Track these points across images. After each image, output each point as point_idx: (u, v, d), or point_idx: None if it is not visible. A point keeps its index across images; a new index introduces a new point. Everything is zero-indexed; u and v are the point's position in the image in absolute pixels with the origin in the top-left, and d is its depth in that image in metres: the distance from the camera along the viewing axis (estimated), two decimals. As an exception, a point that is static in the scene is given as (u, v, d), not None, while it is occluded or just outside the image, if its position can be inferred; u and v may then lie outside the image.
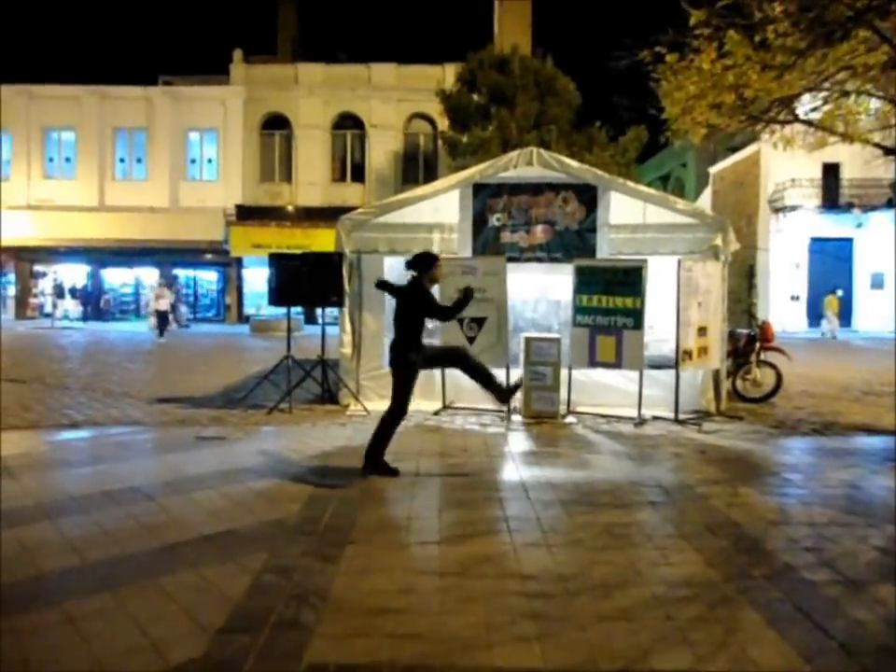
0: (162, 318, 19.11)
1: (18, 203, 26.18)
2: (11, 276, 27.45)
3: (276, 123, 26.80)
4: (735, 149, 26.60)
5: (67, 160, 26.99)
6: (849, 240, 24.35)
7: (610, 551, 3.69)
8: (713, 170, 29.80)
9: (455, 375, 7.94)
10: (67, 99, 26.46)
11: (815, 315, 23.89)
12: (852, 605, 3.08)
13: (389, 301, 8.50)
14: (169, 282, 24.27)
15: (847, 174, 23.83)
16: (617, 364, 7.36)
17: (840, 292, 22.40)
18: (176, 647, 2.67)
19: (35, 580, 3.29)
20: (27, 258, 26.89)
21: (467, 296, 5.16)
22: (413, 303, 5.17)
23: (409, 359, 5.13)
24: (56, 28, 53.84)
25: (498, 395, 5.46)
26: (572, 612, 2.98)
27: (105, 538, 3.81)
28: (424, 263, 5.26)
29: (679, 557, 3.60)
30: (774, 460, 6.02)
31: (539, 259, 8.06)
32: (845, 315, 23.97)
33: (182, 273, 27.74)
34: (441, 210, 8.06)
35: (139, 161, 27.04)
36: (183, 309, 25.24)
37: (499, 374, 7.48)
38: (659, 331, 7.94)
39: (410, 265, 5.26)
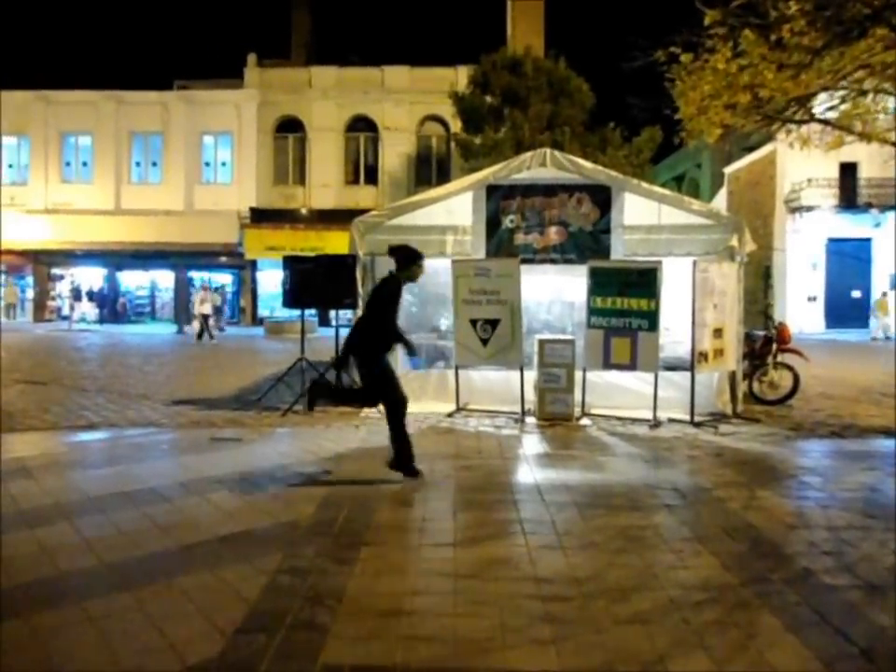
0: (206, 321, 19.30)
1: (36, 206, 26.52)
2: (29, 279, 27.80)
3: (290, 126, 26.95)
4: (750, 149, 26.38)
5: (84, 164, 27.30)
6: (867, 240, 24.05)
7: (626, 554, 3.67)
8: (728, 170, 29.56)
9: (469, 377, 7.96)
10: (84, 104, 26.77)
11: (833, 317, 23.61)
12: (873, 610, 3.03)
13: (402, 304, 8.53)
14: (215, 286, 24.44)
15: (864, 173, 23.55)
16: (632, 366, 7.31)
17: (857, 292, 22.17)
18: (193, 647, 2.68)
19: (55, 579, 3.32)
20: (45, 261, 27.22)
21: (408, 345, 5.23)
22: (382, 297, 5.10)
23: (376, 355, 5.04)
24: (73, 34, 54.48)
25: (399, 462, 4.98)
26: (588, 616, 2.96)
27: (123, 538, 3.85)
28: (405, 259, 5.14)
29: (695, 561, 3.57)
30: (791, 463, 5.95)
31: (553, 261, 8.03)
32: (861, 317, 23.67)
33: (197, 276, 27.95)
34: (454, 212, 8.07)
35: (154, 164, 27.30)
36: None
37: (514, 376, 7.52)
38: (674, 333, 7.89)
39: (392, 254, 5.17)
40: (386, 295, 5.09)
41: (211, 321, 19.86)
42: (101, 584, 3.27)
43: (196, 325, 19.40)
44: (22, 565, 3.45)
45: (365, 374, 5.10)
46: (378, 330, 5.07)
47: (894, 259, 21.83)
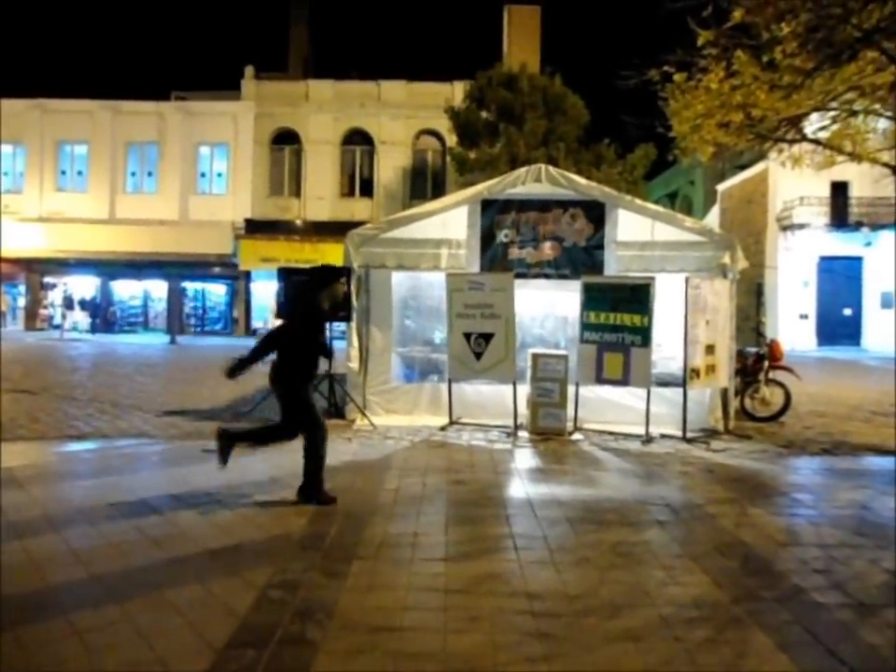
0: None
1: (30, 215, 26.45)
2: (22, 287, 27.67)
3: (286, 138, 27.03)
4: (743, 167, 26.62)
5: (79, 173, 27.28)
6: (859, 258, 24.24)
7: (618, 570, 3.66)
8: (721, 187, 29.81)
9: (462, 390, 7.96)
10: (80, 113, 26.79)
11: (824, 334, 23.74)
12: (864, 629, 3.04)
13: (396, 317, 8.55)
14: None
15: (855, 192, 23.79)
16: (624, 381, 7.33)
17: (849, 310, 22.29)
18: (182, 662, 2.66)
19: (42, 591, 3.29)
20: (38, 269, 27.10)
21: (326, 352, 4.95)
22: (307, 323, 4.84)
23: (294, 385, 4.73)
24: (70, 43, 54.68)
25: (307, 489, 4.78)
26: (579, 632, 2.96)
27: (112, 550, 3.81)
28: (325, 277, 4.89)
29: (686, 578, 3.57)
30: (783, 480, 5.97)
31: (547, 276, 8.07)
32: (853, 335, 23.81)
33: (191, 287, 27.89)
34: (449, 226, 8.10)
35: (150, 174, 27.30)
36: None
37: (507, 390, 7.52)
38: (667, 349, 7.92)
39: (310, 277, 4.89)
40: (319, 316, 4.87)
41: None
42: (89, 597, 3.24)
43: None
44: (10, 576, 3.41)
45: (289, 399, 4.80)
46: (307, 358, 4.79)
47: (894, 277, 21.97)
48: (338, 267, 5.04)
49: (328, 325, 4.77)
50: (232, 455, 6.15)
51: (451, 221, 8.10)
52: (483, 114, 21.99)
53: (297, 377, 4.77)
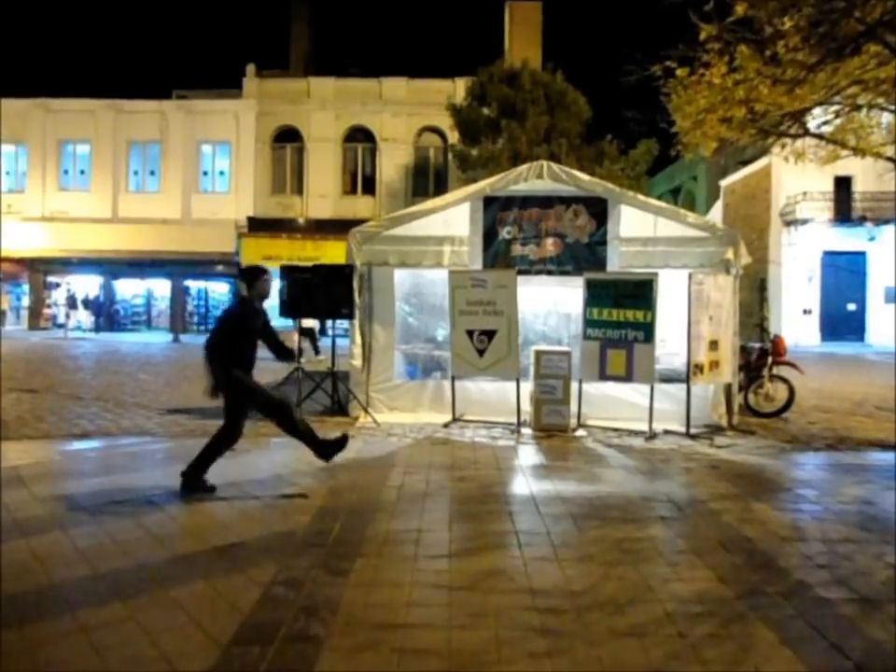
0: (311, 336, 18.05)
1: (33, 214, 26.50)
2: (25, 287, 27.73)
3: (288, 136, 27.03)
4: (746, 162, 26.55)
5: (82, 172, 27.31)
6: (862, 253, 24.18)
7: (622, 566, 3.66)
8: (724, 183, 29.74)
9: (465, 387, 7.96)
10: (83, 112, 26.83)
11: (828, 330, 23.69)
12: (868, 624, 3.04)
13: (399, 315, 8.55)
14: None
15: (859, 187, 23.73)
16: (628, 378, 7.33)
17: (853, 305, 22.22)
18: (186, 659, 2.67)
19: (47, 589, 3.30)
20: (41, 268, 27.16)
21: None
22: (238, 320, 5.07)
23: (233, 376, 4.93)
24: (73, 43, 54.72)
25: (318, 451, 5.41)
26: (583, 628, 2.96)
27: (116, 548, 3.83)
28: (250, 276, 5.17)
29: (691, 573, 3.57)
30: (787, 475, 5.96)
31: (550, 272, 8.06)
32: (857, 330, 23.77)
33: (193, 285, 27.93)
34: (451, 223, 8.09)
35: (152, 173, 27.32)
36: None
37: (510, 387, 7.53)
38: (670, 345, 7.91)
39: (241, 278, 5.27)
40: (247, 313, 5.07)
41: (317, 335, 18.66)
42: (94, 594, 3.25)
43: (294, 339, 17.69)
44: (16, 574, 3.43)
45: (229, 393, 5.00)
46: (241, 351, 5.02)
47: (894, 272, 21.92)
48: (260, 266, 5.33)
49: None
50: (235, 454, 6.16)
51: (453, 218, 8.10)
52: (485, 110, 21.95)
53: (230, 370, 4.94)
